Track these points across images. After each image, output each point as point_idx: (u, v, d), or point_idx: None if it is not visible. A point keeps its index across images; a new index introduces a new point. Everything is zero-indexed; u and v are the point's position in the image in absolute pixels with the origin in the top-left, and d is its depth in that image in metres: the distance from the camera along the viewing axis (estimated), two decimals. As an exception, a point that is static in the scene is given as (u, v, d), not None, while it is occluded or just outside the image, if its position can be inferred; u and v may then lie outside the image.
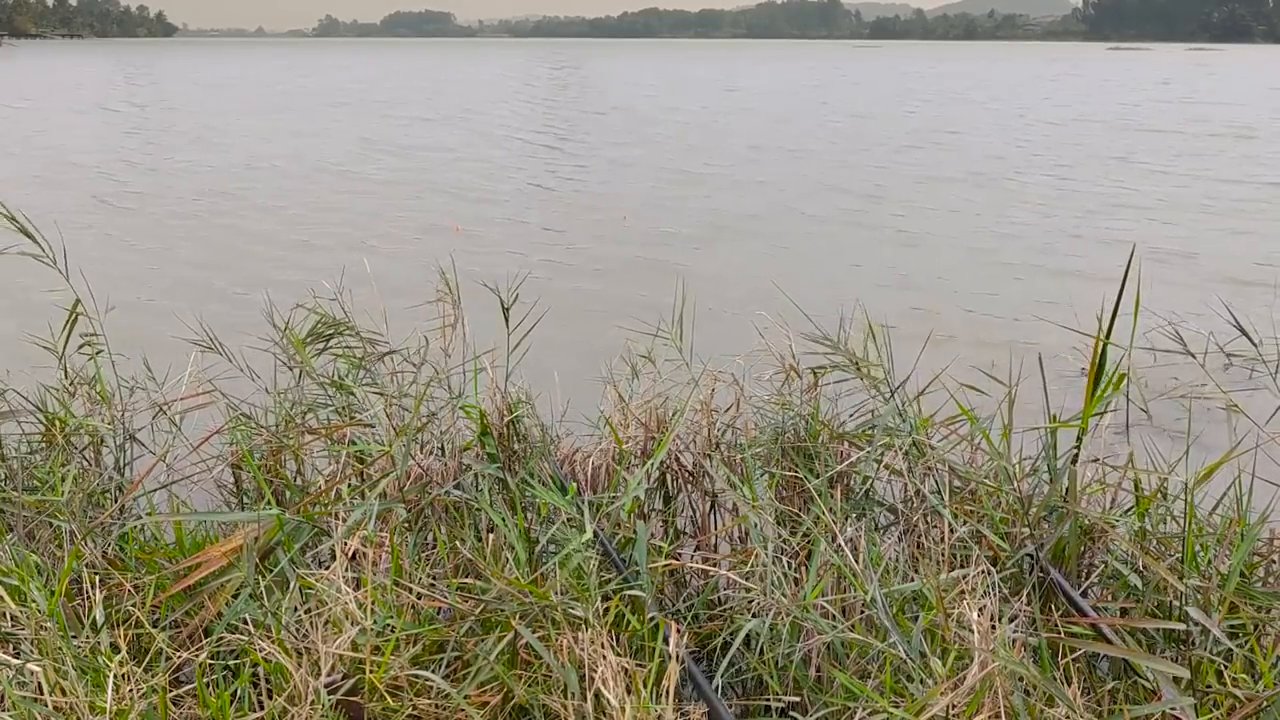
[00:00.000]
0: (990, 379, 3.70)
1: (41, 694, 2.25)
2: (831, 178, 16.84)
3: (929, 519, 3.20)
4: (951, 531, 2.95)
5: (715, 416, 3.69)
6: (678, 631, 2.49)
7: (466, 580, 2.85)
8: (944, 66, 75.53)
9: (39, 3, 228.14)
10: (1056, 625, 2.64)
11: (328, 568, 2.76)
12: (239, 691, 2.45)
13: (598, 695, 2.36)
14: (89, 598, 2.56)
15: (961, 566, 2.92)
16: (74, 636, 2.48)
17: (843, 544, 2.72)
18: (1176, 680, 2.35)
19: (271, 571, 2.86)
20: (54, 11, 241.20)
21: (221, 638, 2.62)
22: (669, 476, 3.70)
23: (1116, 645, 2.51)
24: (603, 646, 2.41)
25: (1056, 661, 2.62)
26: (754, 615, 2.70)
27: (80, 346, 3.95)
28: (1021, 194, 15.09)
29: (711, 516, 3.68)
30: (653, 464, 3.31)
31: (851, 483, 3.52)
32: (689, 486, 3.72)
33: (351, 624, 2.50)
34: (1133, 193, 15.14)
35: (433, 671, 2.52)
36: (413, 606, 2.74)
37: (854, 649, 2.63)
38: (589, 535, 2.75)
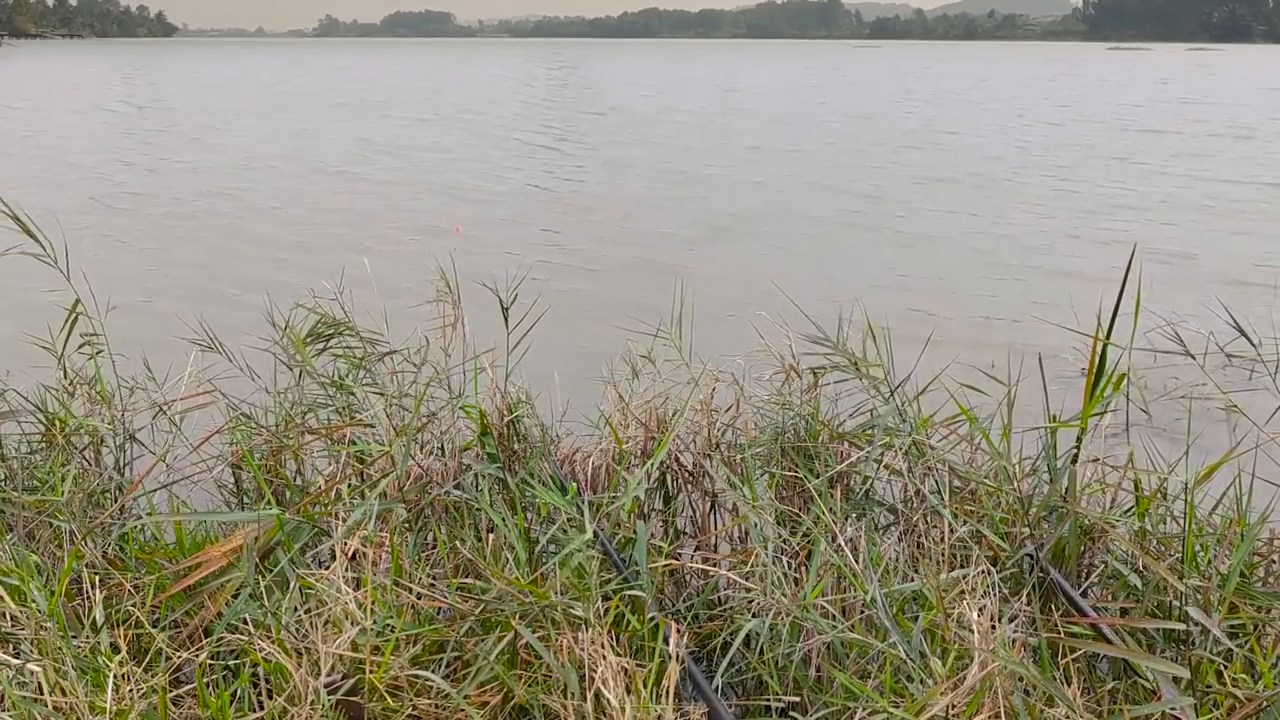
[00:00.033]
0: (990, 379, 3.71)
1: (41, 694, 2.25)
2: (830, 178, 16.84)
3: (929, 519, 3.20)
4: (951, 531, 2.95)
5: (715, 416, 3.69)
6: (678, 631, 2.49)
7: (466, 580, 2.85)
8: (943, 66, 75.56)
9: (39, 3, 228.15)
10: (1056, 625, 2.64)
11: (328, 568, 2.76)
12: (239, 691, 2.45)
13: (598, 695, 2.36)
14: (89, 598, 2.56)
15: (961, 566, 2.92)
16: (74, 636, 2.48)
17: (843, 544, 2.72)
18: (1176, 680, 2.35)
19: (271, 571, 2.86)
20: (54, 11, 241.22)
21: (221, 638, 2.62)
22: (669, 476, 3.70)
23: (1116, 645, 2.51)
24: (603, 647, 2.41)
25: (1056, 661, 2.62)
26: (754, 615, 2.70)
27: (80, 346, 3.95)
28: (1020, 194, 15.09)
29: (711, 516, 3.68)
30: (653, 464, 3.31)
31: (851, 483, 3.52)
32: (689, 486, 3.72)
33: (351, 624, 2.50)
34: (1132, 193, 15.14)
35: (433, 671, 2.52)
36: (413, 606, 2.74)
37: (854, 649, 2.63)
38: (589, 535, 2.75)
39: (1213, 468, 2.99)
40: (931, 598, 2.52)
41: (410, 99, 36.79)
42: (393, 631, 2.54)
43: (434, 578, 2.93)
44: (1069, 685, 2.40)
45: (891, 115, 30.20)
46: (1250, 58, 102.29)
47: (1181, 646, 2.69)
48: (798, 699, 2.64)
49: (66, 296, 3.85)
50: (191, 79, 50.74)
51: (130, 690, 2.30)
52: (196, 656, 2.53)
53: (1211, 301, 7.98)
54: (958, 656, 2.40)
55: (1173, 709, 2.26)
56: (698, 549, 3.59)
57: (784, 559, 2.83)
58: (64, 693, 2.27)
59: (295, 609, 2.60)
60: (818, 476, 3.29)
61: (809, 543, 2.99)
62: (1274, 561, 3.06)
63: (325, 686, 2.37)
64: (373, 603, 2.58)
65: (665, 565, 3.12)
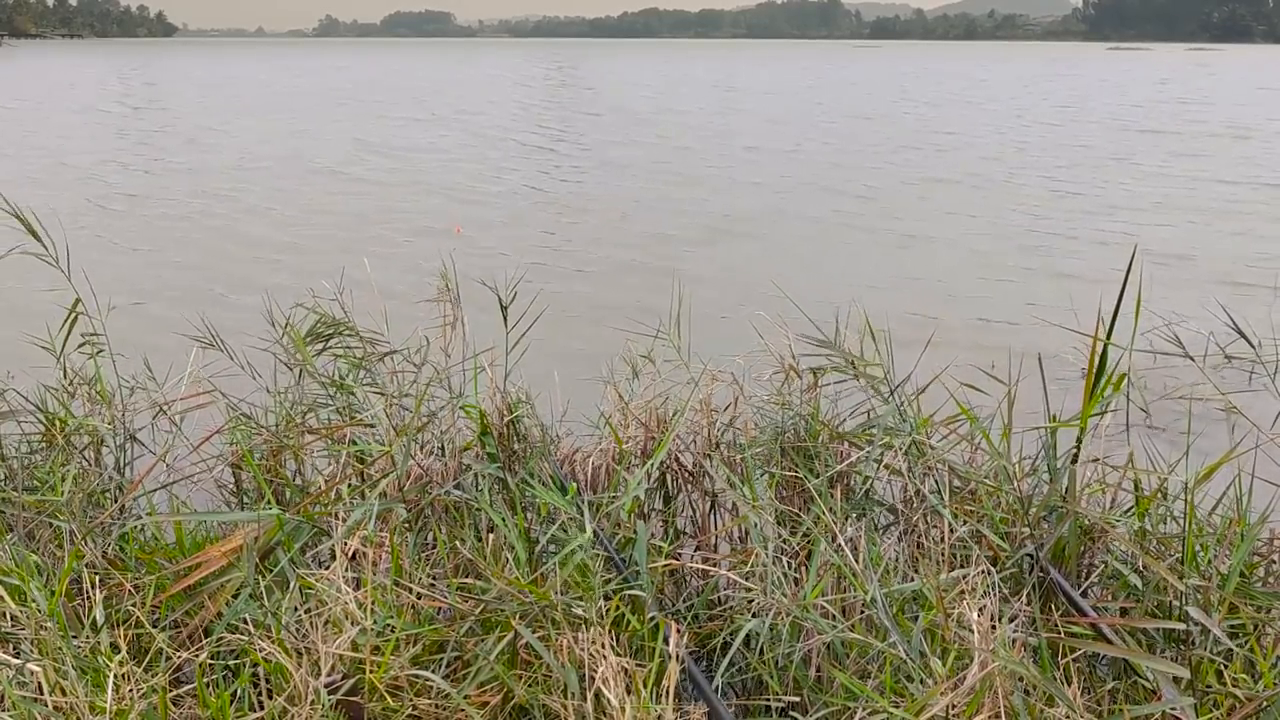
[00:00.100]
0: (990, 378, 3.71)
1: (41, 694, 2.25)
2: (828, 179, 16.84)
3: (929, 519, 3.20)
4: (951, 531, 2.95)
5: (715, 416, 3.69)
6: (678, 631, 2.49)
7: (466, 580, 2.85)
8: (943, 66, 75.56)
9: (39, 3, 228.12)
10: (1056, 625, 2.64)
11: (328, 568, 2.76)
12: (239, 691, 2.45)
13: (598, 695, 2.36)
14: (89, 598, 2.55)
15: (961, 566, 2.91)
16: (74, 636, 2.48)
17: (843, 544, 2.72)
18: (1176, 680, 2.35)
19: (271, 571, 2.86)
20: (54, 11, 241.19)
21: (221, 638, 2.62)
22: (669, 476, 3.70)
23: (1116, 645, 2.52)
24: (603, 646, 2.41)
25: (1056, 661, 2.62)
26: (754, 615, 2.70)
27: (80, 346, 3.95)
28: (1019, 195, 15.09)
29: (711, 516, 3.68)
30: (653, 464, 3.32)
31: (851, 483, 3.52)
32: (689, 486, 3.72)
33: (351, 624, 2.50)
34: (1131, 194, 15.15)
35: (433, 671, 2.52)
36: (413, 606, 2.74)
37: (854, 649, 2.63)
38: (589, 535, 2.75)
39: (1213, 468, 3.00)
40: (931, 598, 2.52)
41: (409, 99, 36.78)
42: (393, 631, 2.54)
43: (434, 578, 2.93)
44: (1069, 685, 2.40)
45: (890, 115, 30.21)
46: (1250, 58, 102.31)
47: (1181, 646, 2.69)
48: (798, 699, 2.64)
49: (66, 296, 3.85)
50: (191, 79, 50.73)
51: (130, 690, 2.30)
52: (196, 656, 2.53)
53: (1210, 302, 7.98)
54: (958, 656, 2.40)
55: (1173, 709, 2.26)
56: (698, 549, 3.59)
57: (784, 559, 2.83)
58: (64, 693, 2.27)
59: (295, 609, 2.60)
60: (818, 476, 3.29)
61: (809, 543, 2.99)
62: (1274, 561, 3.06)
63: (325, 686, 2.37)
64: (373, 603, 2.58)
65: (665, 565, 3.12)
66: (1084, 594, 3.00)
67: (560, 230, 12.42)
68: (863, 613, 2.66)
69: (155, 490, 3.54)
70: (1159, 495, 3.12)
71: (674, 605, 3.27)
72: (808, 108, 33.57)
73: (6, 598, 2.45)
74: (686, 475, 3.71)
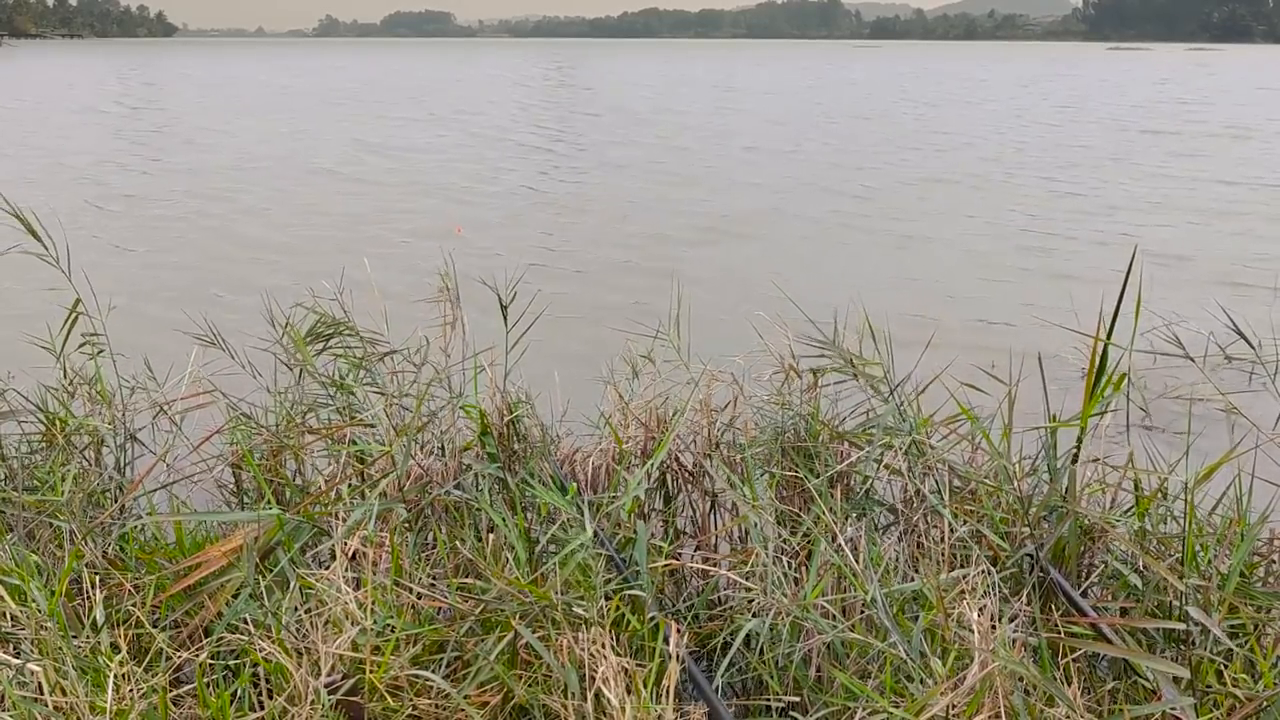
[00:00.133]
0: (990, 378, 3.71)
1: (41, 694, 2.25)
2: (827, 180, 16.84)
3: (929, 519, 3.20)
4: (951, 531, 2.95)
5: (715, 416, 3.70)
6: (678, 631, 2.49)
7: (466, 580, 2.85)
8: (943, 66, 75.56)
9: (39, 3, 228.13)
10: (1056, 625, 2.64)
11: (328, 568, 2.76)
12: (239, 691, 2.45)
13: (598, 695, 2.36)
14: (89, 598, 2.56)
15: (961, 566, 2.92)
16: (74, 636, 2.48)
17: (843, 544, 2.72)
18: (1176, 680, 2.35)
19: (271, 571, 2.86)
20: (54, 11, 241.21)
21: (221, 638, 2.62)
22: (669, 476, 3.70)
23: (1116, 645, 2.52)
24: (603, 646, 2.41)
25: (1056, 661, 2.62)
26: (754, 615, 2.70)
27: (80, 346, 3.95)
28: (1017, 196, 15.09)
29: (711, 516, 3.68)
30: (653, 464, 3.31)
31: (851, 482, 3.52)
32: (689, 486, 3.72)
33: (351, 624, 2.50)
34: (1130, 194, 15.15)
35: (433, 671, 2.52)
36: (413, 606, 2.74)
37: (854, 649, 2.63)
38: (589, 535, 2.75)
39: (1212, 468, 3.00)
40: (931, 598, 2.52)
41: (408, 99, 36.78)
42: (393, 631, 2.54)
43: (434, 578, 2.93)
44: (1069, 685, 2.40)
45: (890, 115, 30.21)
46: (1250, 58, 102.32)
47: (1181, 646, 2.69)
48: (798, 699, 2.64)
49: (65, 296, 3.85)
50: (191, 79, 50.74)
51: (130, 690, 2.30)
52: (196, 656, 2.53)
53: (1209, 302, 7.98)
54: (958, 656, 2.40)
55: (1173, 709, 2.26)
56: (698, 549, 3.59)
57: (784, 559, 2.83)
58: (64, 693, 2.27)
59: (295, 609, 2.60)
60: (818, 476, 3.29)
61: (809, 543, 2.99)
62: (1274, 561, 3.06)
63: (325, 686, 2.37)
64: (373, 603, 2.58)
65: (665, 565, 3.12)
66: (1084, 594, 3.00)
67: (559, 231, 12.41)
68: (863, 613, 2.66)
69: (155, 490, 3.54)
70: (1159, 495, 3.12)
71: (674, 605, 3.27)
72: (807, 108, 33.57)
73: (6, 598, 2.45)
74: (686, 475, 3.71)
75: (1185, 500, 2.87)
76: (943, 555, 2.91)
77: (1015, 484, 3.14)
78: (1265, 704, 2.36)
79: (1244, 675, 2.49)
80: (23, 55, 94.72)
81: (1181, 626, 2.57)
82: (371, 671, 2.44)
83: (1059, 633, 2.62)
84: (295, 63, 79.77)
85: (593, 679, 2.38)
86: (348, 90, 42.15)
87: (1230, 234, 12.07)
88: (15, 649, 2.46)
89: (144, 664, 2.48)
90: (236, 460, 3.68)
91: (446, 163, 18.87)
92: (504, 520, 2.99)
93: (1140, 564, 2.87)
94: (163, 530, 3.28)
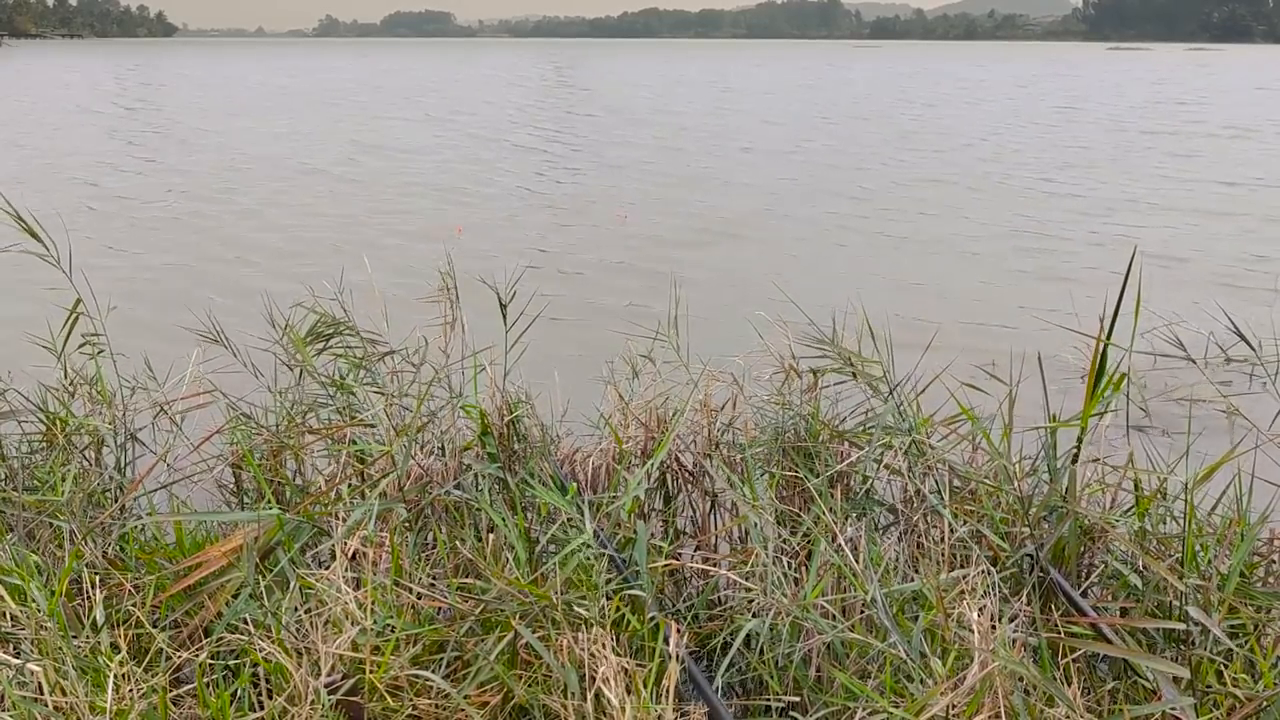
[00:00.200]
0: (991, 378, 3.71)
1: (41, 694, 2.25)
2: (826, 180, 16.84)
3: (929, 519, 3.20)
4: (951, 531, 2.95)
5: (715, 416, 3.70)
6: (678, 631, 2.49)
7: (466, 580, 2.85)
8: (942, 67, 75.55)
9: (39, 3, 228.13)
10: (1056, 625, 2.64)
11: (328, 568, 2.76)
12: (239, 691, 2.45)
13: (598, 695, 2.36)
14: (89, 598, 2.56)
15: (961, 566, 2.92)
16: (74, 636, 2.48)
17: (843, 544, 2.72)
18: (1176, 680, 2.35)
19: (271, 571, 2.86)
20: (54, 12, 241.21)
21: (221, 638, 2.62)
22: (669, 476, 3.70)
23: (1116, 645, 2.52)
24: (603, 646, 2.41)
25: (1056, 661, 2.62)
26: (754, 615, 2.70)
27: (80, 346, 3.95)
28: (1016, 196, 15.10)
29: (711, 516, 3.68)
30: (653, 464, 3.32)
31: (851, 482, 3.52)
32: (689, 486, 3.72)
33: (351, 624, 2.50)
34: (1129, 195, 15.14)
35: (433, 671, 2.52)
36: (413, 606, 2.74)
37: (854, 649, 2.63)
38: (589, 535, 2.75)
39: (1212, 468, 3.00)
40: (931, 598, 2.52)
41: (408, 99, 36.77)
42: (393, 631, 2.54)
43: (434, 578, 2.93)
44: (1069, 685, 2.40)
45: (888, 116, 30.20)
46: (1250, 58, 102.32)
47: (1181, 646, 2.69)
48: (798, 699, 2.64)
49: (64, 296, 3.84)
50: (190, 79, 50.72)
51: (130, 690, 2.30)
52: (196, 656, 2.53)
53: (1208, 303, 7.98)
54: (958, 656, 2.40)
55: (1173, 709, 2.26)
56: (698, 549, 3.59)
57: (784, 559, 2.83)
58: (64, 693, 2.27)
59: (295, 609, 2.60)
60: (818, 476, 3.29)
61: (809, 543, 2.99)
62: (1274, 561, 3.07)
63: (325, 686, 2.37)
64: (373, 603, 2.58)
65: (665, 565, 3.12)
66: (1084, 594, 3.00)
67: (558, 232, 12.41)
68: (863, 613, 2.66)
69: (155, 490, 3.54)
70: (1159, 495, 3.12)
71: (674, 605, 3.27)
72: (806, 108, 33.57)
73: (7, 598, 2.45)
74: (686, 475, 3.71)
75: (1185, 500, 2.87)
76: (943, 555, 2.91)
77: (1015, 484, 3.14)
78: (1265, 704, 2.36)
79: (1244, 675, 2.49)
80: (22, 55, 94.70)
81: (1181, 626, 2.57)
82: (371, 671, 2.44)
83: (1059, 633, 2.62)
84: (294, 63, 79.74)
85: (593, 679, 2.38)
86: (346, 90, 42.14)
87: (1229, 235, 12.07)
88: (15, 649, 2.46)
89: (144, 664, 2.49)
90: (236, 460, 3.68)
91: (443, 163, 18.86)
92: (504, 520, 2.99)
93: (1140, 564, 2.87)
94: (163, 530, 3.28)
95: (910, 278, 9.91)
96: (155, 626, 2.68)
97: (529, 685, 2.57)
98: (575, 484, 3.40)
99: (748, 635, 2.71)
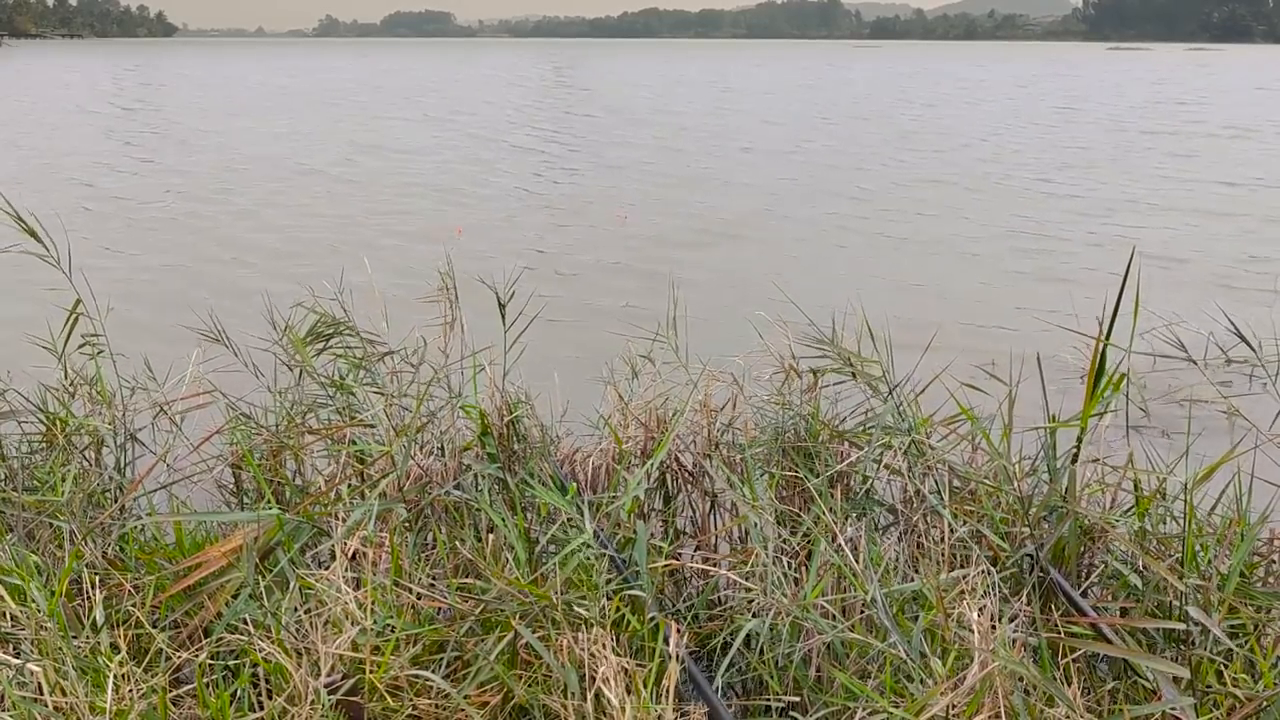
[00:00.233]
0: (990, 378, 3.71)
1: (41, 694, 2.25)
2: (826, 181, 16.84)
3: (929, 519, 3.20)
4: (951, 531, 2.95)
5: (715, 416, 3.70)
6: (678, 631, 2.49)
7: (466, 580, 2.85)
8: (942, 67, 75.55)
9: (39, 3, 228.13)
10: (1056, 625, 2.64)
11: (328, 568, 2.76)
12: (239, 691, 2.45)
13: (598, 695, 2.36)
14: (89, 598, 2.56)
15: (961, 566, 2.92)
16: (74, 636, 2.48)
17: (843, 544, 2.72)
18: (1176, 680, 2.35)
19: (271, 571, 2.86)
20: (54, 11, 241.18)
21: (221, 638, 2.62)
22: (669, 476, 3.70)
23: (1116, 645, 2.52)
24: (603, 646, 2.42)
25: (1056, 661, 2.62)
26: (754, 615, 2.70)
27: (80, 346, 3.95)
28: (1015, 197, 15.09)
29: (711, 516, 3.68)
30: (653, 464, 3.32)
31: (851, 482, 3.52)
32: (689, 486, 3.72)
33: (351, 624, 2.50)
34: (1128, 195, 15.14)
35: (433, 671, 2.52)
36: (413, 606, 2.74)
37: (854, 649, 2.63)
38: (589, 535, 2.75)
39: (1212, 468, 3.00)
40: (931, 598, 2.52)
41: (407, 100, 36.76)
42: (393, 631, 2.54)
43: (434, 578, 2.93)
44: (1069, 685, 2.40)
45: (888, 116, 30.20)
46: (1250, 58, 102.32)
47: (1181, 646, 2.69)
48: (798, 699, 2.64)
49: (64, 296, 3.84)
50: (190, 79, 50.70)
51: (130, 690, 2.30)
52: (196, 656, 2.53)
53: (1208, 304, 7.98)
54: (958, 656, 2.40)
55: (1173, 709, 2.26)
56: (698, 549, 3.59)
57: (784, 559, 2.83)
58: (64, 693, 2.27)
59: (295, 609, 2.60)
60: (818, 476, 3.29)
61: (809, 543, 2.99)
62: (1274, 561, 3.07)
63: (325, 686, 2.37)
64: (373, 603, 2.58)
65: (665, 565, 3.12)
66: (1084, 594, 3.00)
67: (556, 232, 12.41)
68: (863, 613, 2.66)
69: (155, 490, 3.54)
70: (1159, 495, 3.12)
71: (674, 605, 3.27)
72: (806, 108, 33.57)
73: (6, 598, 2.45)
74: (686, 475, 3.71)
75: (1185, 500, 2.87)
76: (943, 555, 2.91)
77: (1015, 484, 3.14)
78: (1265, 704, 2.36)
79: (1244, 675, 2.49)
80: (22, 55, 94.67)
81: (1181, 626, 2.57)
82: (371, 671, 2.44)
83: (1059, 633, 2.62)
84: (294, 63, 79.70)
85: (593, 679, 2.38)
86: (345, 90, 42.12)
87: (1229, 235, 12.07)
88: (15, 649, 2.46)
89: (144, 664, 2.49)
90: (236, 460, 3.68)
91: (442, 164, 18.84)
92: (504, 520, 2.99)
93: (1140, 564, 2.87)
94: (162, 530, 3.28)
95: (910, 278, 9.91)
96: (155, 627, 2.68)
97: (529, 685, 2.57)
98: (575, 484, 3.40)
99: (748, 635, 2.71)
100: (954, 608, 2.47)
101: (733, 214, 13.51)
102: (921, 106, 34.19)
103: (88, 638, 2.46)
